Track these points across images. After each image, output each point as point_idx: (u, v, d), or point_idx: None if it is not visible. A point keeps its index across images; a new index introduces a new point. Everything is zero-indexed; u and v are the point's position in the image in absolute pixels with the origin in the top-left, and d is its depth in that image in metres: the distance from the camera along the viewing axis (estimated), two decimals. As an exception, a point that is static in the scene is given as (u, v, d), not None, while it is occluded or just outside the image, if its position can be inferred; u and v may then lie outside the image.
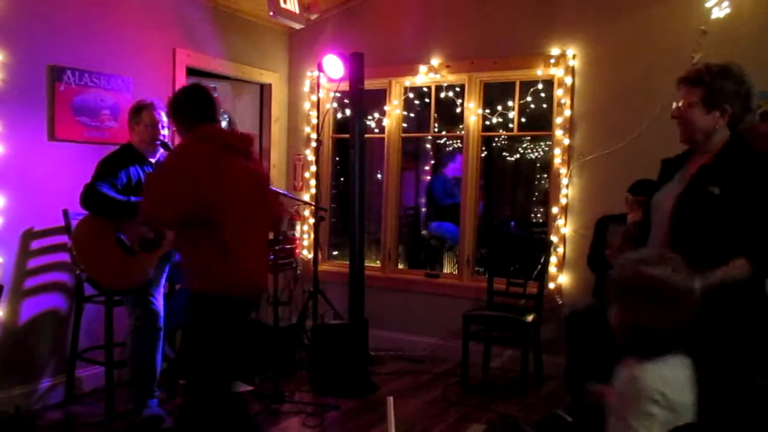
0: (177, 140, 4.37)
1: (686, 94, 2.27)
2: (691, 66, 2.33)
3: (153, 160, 3.55)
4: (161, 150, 3.57)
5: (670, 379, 1.55)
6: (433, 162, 7.72)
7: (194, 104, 2.72)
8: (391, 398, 1.67)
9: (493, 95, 5.04)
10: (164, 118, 3.51)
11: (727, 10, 3.84)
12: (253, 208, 2.66)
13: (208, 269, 2.56)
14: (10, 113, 3.47)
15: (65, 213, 3.55)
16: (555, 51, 4.40)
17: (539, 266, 4.32)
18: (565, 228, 4.40)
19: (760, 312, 2.17)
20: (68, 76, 3.74)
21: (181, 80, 4.49)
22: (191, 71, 4.67)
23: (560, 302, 4.33)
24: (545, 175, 6.83)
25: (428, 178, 7.58)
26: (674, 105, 2.34)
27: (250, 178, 2.68)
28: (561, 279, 4.42)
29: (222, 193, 2.53)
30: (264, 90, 5.40)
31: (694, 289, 1.61)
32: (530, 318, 4.07)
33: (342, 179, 5.90)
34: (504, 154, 7.73)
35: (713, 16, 3.87)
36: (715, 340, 2.08)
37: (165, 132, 3.54)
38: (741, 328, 2.15)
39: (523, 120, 4.88)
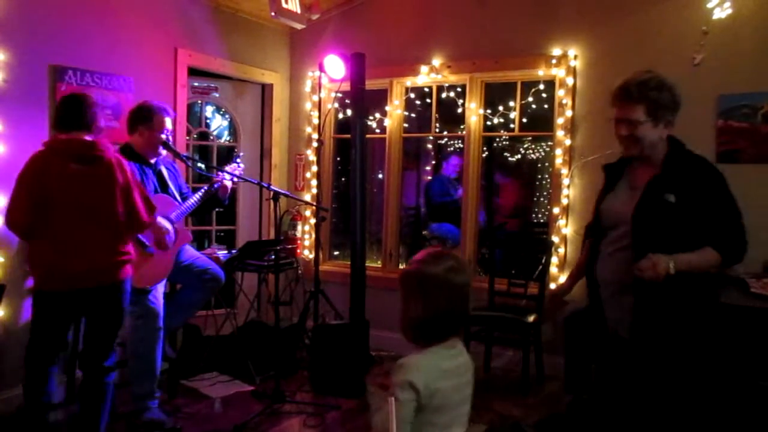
0: (176, 142, 4.38)
1: (629, 112, 2.36)
2: (622, 82, 2.41)
3: (152, 162, 3.55)
4: (163, 152, 3.57)
5: (425, 367, 1.69)
6: (434, 162, 7.72)
7: (59, 113, 2.91)
8: (393, 398, 1.67)
9: (495, 96, 5.04)
10: (169, 125, 3.53)
11: (729, 11, 3.84)
12: (79, 209, 2.79)
13: (31, 266, 2.87)
14: (12, 113, 3.47)
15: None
16: (556, 51, 4.40)
17: (540, 267, 4.32)
18: (566, 228, 4.40)
19: (709, 316, 2.37)
20: (70, 75, 3.74)
21: (183, 80, 4.50)
22: (193, 71, 4.68)
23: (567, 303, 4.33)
24: (546, 176, 6.83)
25: (429, 178, 7.58)
26: (613, 121, 2.43)
27: (80, 182, 2.78)
28: (562, 279, 4.42)
29: (45, 195, 2.73)
30: (265, 90, 5.40)
31: (457, 282, 1.74)
32: (531, 318, 4.07)
33: (343, 179, 5.90)
34: (505, 154, 7.73)
35: (715, 17, 3.87)
36: (661, 337, 2.32)
37: (168, 136, 3.55)
38: (689, 328, 2.33)
39: (524, 120, 4.88)
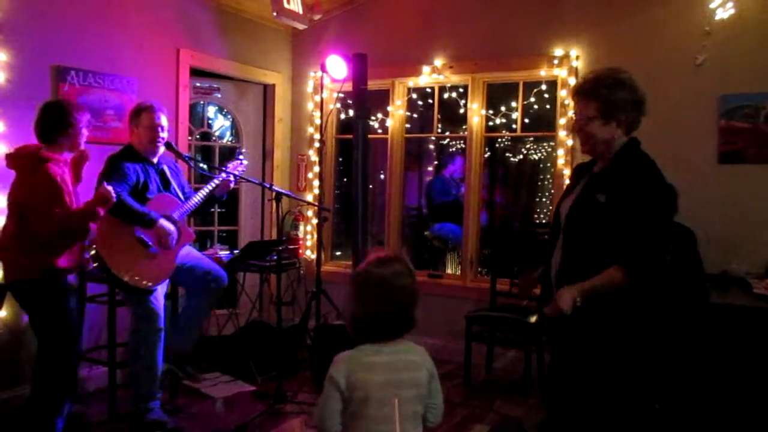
0: (179, 142, 4.39)
1: (583, 107, 2.29)
2: (583, 78, 2.35)
3: (154, 161, 3.55)
4: (162, 151, 3.56)
5: (346, 361, 1.76)
6: (436, 162, 7.72)
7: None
8: (396, 399, 1.67)
9: (497, 96, 5.04)
10: (164, 121, 3.51)
11: (732, 11, 3.84)
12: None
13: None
14: (14, 113, 3.48)
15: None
16: (558, 52, 4.40)
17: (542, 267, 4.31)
18: (568, 229, 4.39)
19: (636, 321, 2.21)
20: (72, 76, 3.75)
21: (185, 81, 4.50)
22: (195, 71, 4.68)
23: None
24: (549, 176, 6.82)
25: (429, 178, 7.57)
26: (572, 117, 2.41)
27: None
28: (564, 280, 4.41)
29: None
30: (267, 90, 5.40)
31: (400, 285, 1.78)
32: (533, 319, 4.07)
33: (345, 180, 5.90)
34: (507, 154, 7.72)
35: (717, 17, 3.87)
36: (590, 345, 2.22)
37: (163, 135, 3.51)
38: (614, 335, 2.20)
39: (526, 121, 4.88)
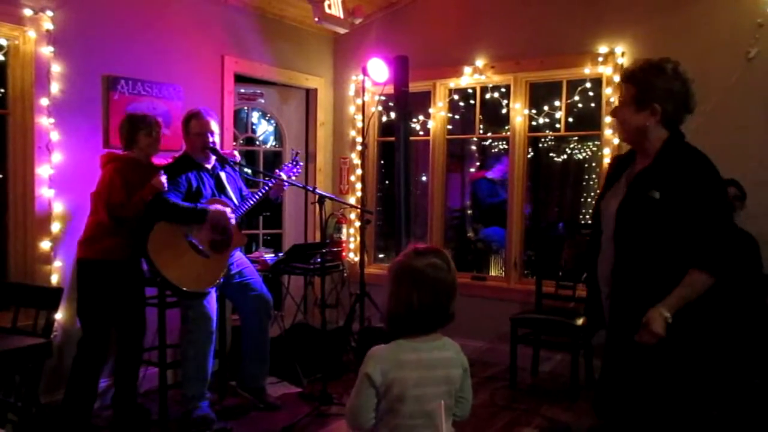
0: (224, 147, 4.46)
1: (623, 92, 2.22)
2: (631, 63, 2.26)
3: (209, 167, 3.62)
4: (213, 156, 3.63)
5: (382, 358, 1.75)
6: (478, 164, 7.65)
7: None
8: (442, 402, 1.67)
9: (540, 95, 4.97)
10: (213, 126, 3.58)
11: (786, 2, 3.71)
12: None
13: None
14: (68, 122, 3.61)
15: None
16: (603, 49, 4.32)
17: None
18: (615, 229, 4.30)
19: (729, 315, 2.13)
20: (122, 85, 3.86)
21: (230, 87, 4.59)
22: (239, 78, 4.76)
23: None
24: (594, 176, 6.69)
25: (478, 178, 7.49)
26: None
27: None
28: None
29: None
30: (310, 95, 5.46)
31: (437, 278, 1.72)
32: (580, 321, 3.99)
33: (387, 182, 5.91)
34: (551, 154, 7.61)
35: (770, 9, 3.74)
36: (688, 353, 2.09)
37: (214, 139, 3.59)
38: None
39: (570, 120, 4.80)
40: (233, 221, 3.51)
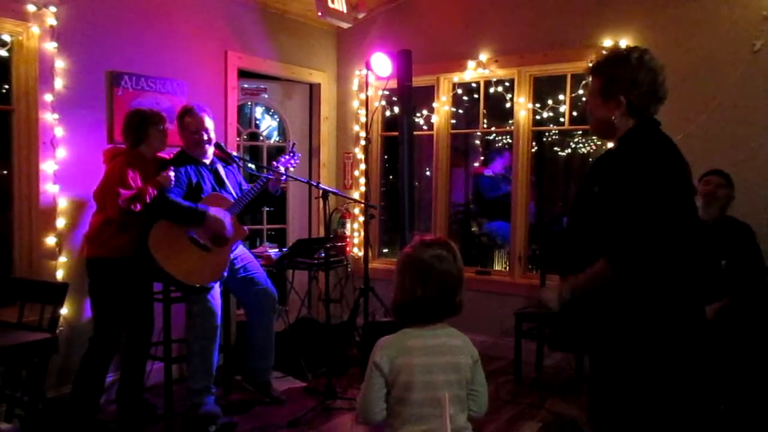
0: (227, 143, 4.46)
1: (591, 84, 2.18)
2: (596, 55, 2.23)
3: (207, 161, 3.62)
4: (211, 151, 3.62)
5: (389, 346, 1.79)
6: (482, 158, 7.64)
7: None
8: (447, 395, 1.67)
9: (544, 89, 4.96)
10: (207, 122, 3.56)
11: (792, -6, 3.68)
12: None
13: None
14: (72, 118, 3.61)
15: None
16: (607, 42, 4.30)
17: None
18: (619, 223, 4.29)
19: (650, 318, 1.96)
20: (126, 80, 3.86)
21: (233, 82, 4.58)
22: (242, 73, 4.76)
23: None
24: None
25: (479, 173, 7.50)
26: None
27: None
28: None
29: None
30: (313, 89, 5.45)
31: (441, 269, 1.76)
32: (584, 315, 3.98)
33: (391, 177, 5.90)
34: (555, 149, 7.58)
35: (776, 1, 3.72)
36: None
37: (209, 136, 3.56)
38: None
39: (574, 114, 4.78)
40: (229, 232, 3.49)
